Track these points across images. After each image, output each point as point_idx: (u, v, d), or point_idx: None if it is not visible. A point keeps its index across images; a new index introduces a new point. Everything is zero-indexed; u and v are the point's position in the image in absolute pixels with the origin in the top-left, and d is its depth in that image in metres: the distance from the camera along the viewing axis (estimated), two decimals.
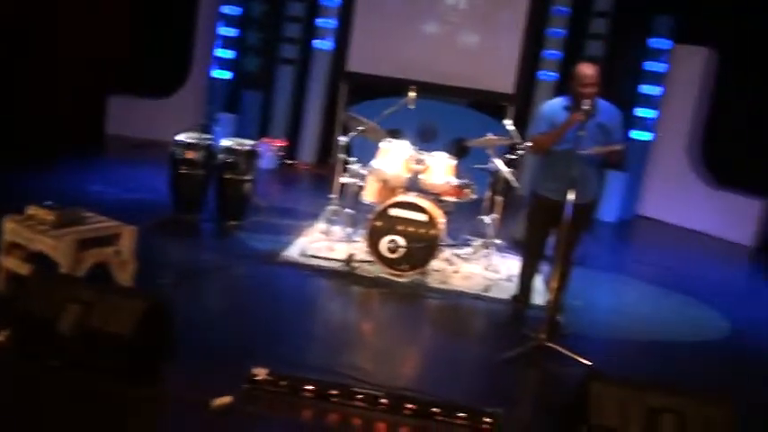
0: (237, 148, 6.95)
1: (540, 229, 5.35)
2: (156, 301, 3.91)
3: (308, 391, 3.89)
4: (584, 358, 4.74)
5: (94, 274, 4.74)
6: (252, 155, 7.02)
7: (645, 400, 3.56)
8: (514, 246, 7.07)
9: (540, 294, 5.70)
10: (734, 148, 9.93)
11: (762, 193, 9.80)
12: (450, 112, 10.56)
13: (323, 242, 6.73)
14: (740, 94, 9.87)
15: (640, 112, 10.28)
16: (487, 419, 3.80)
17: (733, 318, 6.44)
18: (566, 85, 5.25)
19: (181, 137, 6.87)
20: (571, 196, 4.70)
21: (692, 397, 3.63)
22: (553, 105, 5.20)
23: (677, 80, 10.34)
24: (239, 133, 9.96)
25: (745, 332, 6.17)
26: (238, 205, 7.06)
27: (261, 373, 3.91)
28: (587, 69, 5.01)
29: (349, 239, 6.57)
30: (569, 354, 4.78)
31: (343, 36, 10.54)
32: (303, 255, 6.29)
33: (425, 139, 10.15)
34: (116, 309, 3.74)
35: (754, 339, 6.06)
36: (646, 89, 10.25)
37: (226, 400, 3.66)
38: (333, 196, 6.92)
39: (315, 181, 10.18)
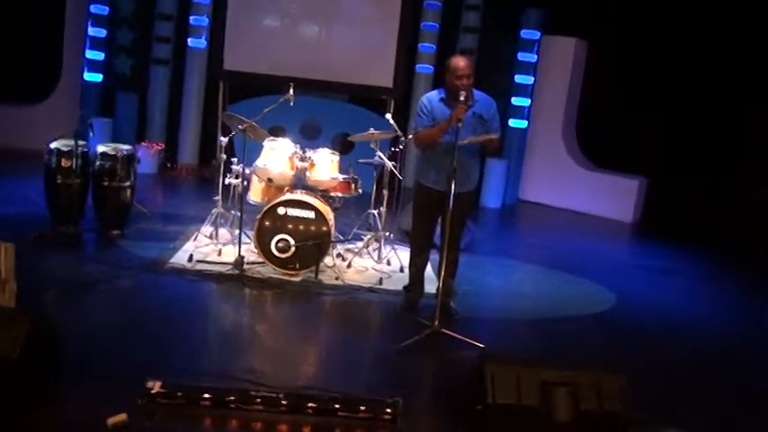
0: (114, 153, 6.72)
1: (426, 219, 5.46)
2: (41, 319, 3.75)
3: (206, 399, 3.82)
4: (478, 341, 4.89)
5: None
6: (130, 160, 6.81)
7: (538, 376, 3.73)
8: (403, 237, 7.18)
9: (431, 282, 5.82)
10: (607, 131, 10.52)
11: (638, 171, 10.42)
12: (332, 108, 10.59)
13: (210, 246, 6.63)
14: (608, 79, 10.46)
15: (516, 101, 10.68)
16: (388, 410, 3.87)
17: (617, 290, 6.81)
18: (441, 78, 5.38)
19: (54, 144, 6.56)
20: (453, 186, 4.83)
21: (583, 369, 3.83)
22: (430, 98, 5.31)
23: (549, 69, 10.81)
24: (115, 138, 9.65)
25: (629, 302, 6.54)
26: (119, 213, 6.84)
27: (155, 386, 3.81)
28: (460, 62, 5.15)
29: (237, 241, 6.49)
30: (463, 338, 4.92)
31: (217, 34, 10.35)
32: (191, 261, 6.16)
33: (309, 136, 10.15)
34: None
35: (638, 308, 6.44)
36: (519, 79, 10.66)
37: (121, 417, 3.54)
38: (217, 198, 6.81)
39: (198, 184, 10.00)
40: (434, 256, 5.75)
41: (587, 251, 8.51)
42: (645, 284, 7.29)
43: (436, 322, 4.93)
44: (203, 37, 10.53)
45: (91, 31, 10.26)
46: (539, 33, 10.57)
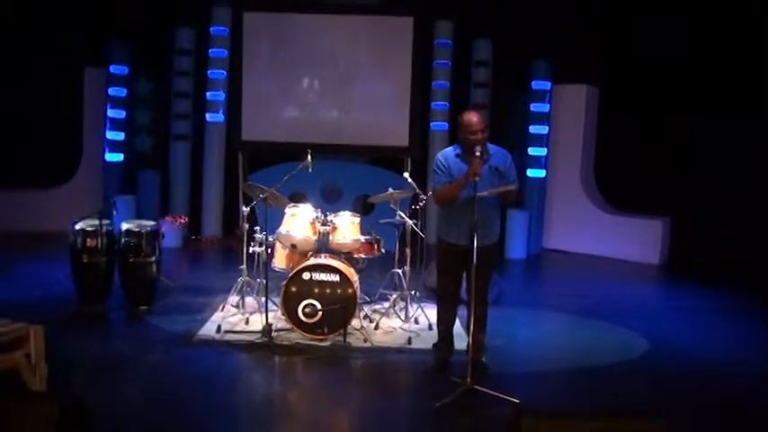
0: (138, 229, 6.81)
1: (452, 274, 5.43)
2: (73, 403, 3.73)
3: None
4: (512, 396, 4.79)
5: (3, 380, 4.47)
6: (154, 235, 6.89)
7: (577, 428, 3.62)
8: (430, 294, 7.14)
9: (461, 339, 5.75)
10: (625, 173, 10.50)
11: (661, 211, 10.33)
12: (350, 171, 10.68)
13: (238, 316, 6.63)
14: (622, 121, 10.49)
15: (532, 150, 10.72)
16: None
17: (650, 335, 6.68)
18: (455, 134, 5.42)
19: (79, 225, 6.66)
20: (475, 240, 4.82)
21: (624, 417, 3.71)
22: (446, 155, 5.35)
23: (562, 117, 10.87)
24: (139, 215, 9.78)
25: (663, 347, 6.40)
26: (146, 288, 6.89)
27: None
28: (473, 117, 5.20)
29: (264, 309, 6.47)
30: (497, 394, 4.83)
31: (234, 107, 10.57)
32: (219, 331, 6.15)
33: (330, 200, 10.22)
34: (30, 415, 3.54)
35: (672, 352, 6.30)
36: (534, 129, 10.71)
37: None
38: (242, 267, 6.83)
39: (222, 254, 10.07)
40: (463, 311, 5.70)
41: (616, 296, 8.39)
42: (677, 327, 7.14)
43: (469, 379, 4.87)
44: (220, 111, 10.75)
45: (110, 112, 10.54)
46: (549, 83, 10.66)
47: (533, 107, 10.70)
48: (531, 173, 10.74)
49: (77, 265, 6.67)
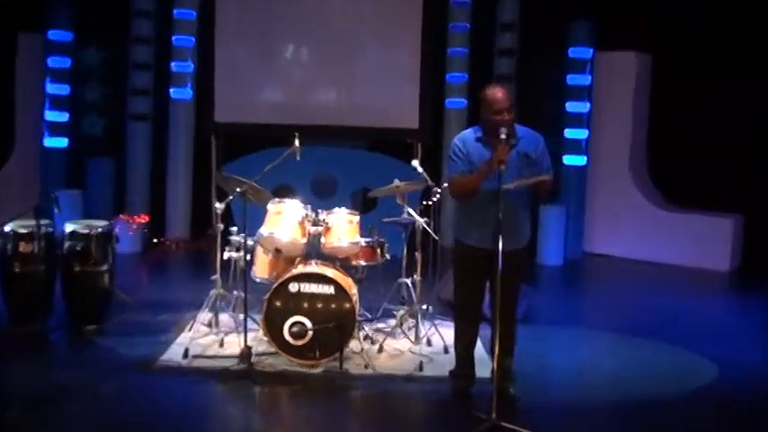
0: (87, 231, 6.79)
1: (472, 285, 5.41)
2: None
3: None
4: None
5: None
6: (106, 238, 6.86)
7: None
8: (445, 309, 7.10)
9: (483, 364, 5.72)
10: (686, 160, 10.43)
11: (731, 208, 10.25)
12: (347, 159, 10.65)
13: (210, 337, 6.61)
14: (682, 97, 10.42)
15: (570, 133, 10.67)
16: None
17: (719, 358, 6.62)
18: (477, 113, 5.38)
19: (10, 226, 6.62)
20: (500, 242, 4.78)
21: None
22: (465, 139, 5.32)
23: (607, 92, 10.82)
24: (88, 213, 9.75)
25: (735, 372, 6.35)
26: (96, 304, 6.87)
27: None
28: (498, 92, 5.17)
29: (242, 329, 6.44)
30: None
31: (205, 81, 10.53)
32: (187, 356, 6.13)
33: (322, 195, 10.19)
34: None
35: (747, 379, 6.25)
36: (572, 107, 10.67)
37: None
38: (215, 277, 6.81)
39: (191, 261, 10.06)
40: (486, 330, 5.67)
41: (675, 311, 8.34)
42: (753, 348, 7.10)
43: (494, 414, 4.84)
44: (188, 86, 10.73)
45: (50, 88, 10.49)
46: (591, 50, 10.61)
47: (571, 79, 10.66)
48: (568, 160, 10.70)
49: (8, 276, 6.63)
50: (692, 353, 6.82)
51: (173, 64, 10.69)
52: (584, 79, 10.66)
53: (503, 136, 5.02)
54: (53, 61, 10.46)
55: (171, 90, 10.74)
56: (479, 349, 5.74)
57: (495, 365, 5.04)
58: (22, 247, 6.58)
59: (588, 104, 10.69)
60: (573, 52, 10.64)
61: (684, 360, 6.70)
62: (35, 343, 6.41)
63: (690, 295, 9.14)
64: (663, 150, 10.90)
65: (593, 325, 7.69)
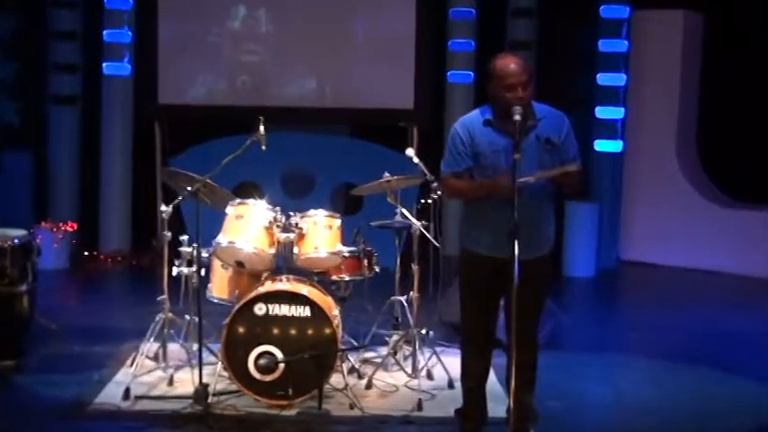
0: (0, 243, 6.76)
1: (482, 303, 5.40)
2: None
3: None
4: None
5: None
6: (25, 251, 6.87)
7: None
8: (449, 333, 7.11)
9: (498, 401, 5.74)
10: (746, 147, 10.46)
11: None
12: (326, 148, 10.66)
13: (157, 373, 6.60)
14: (742, 69, 10.44)
15: (602, 112, 10.70)
16: None
17: None
18: (485, 89, 5.39)
19: None
20: (517, 248, 4.79)
21: None
22: (468, 124, 5.30)
23: (648, 61, 10.85)
24: (1, 220, 9.73)
25: None
26: (13, 333, 6.85)
27: None
28: (510, 63, 5.15)
29: (196, 362, 6.45)
30: None
31: (146, 53, 10.53)
32: (128, 397, 6.10)
33: (295, 193, 10.20)
34: None
35: None
36: (604, 79, 10.70)
37: None
38: (162, 298, 6.81)
39: (132, 279, 10.06)
40: (499, 359, 5.68)
41: (734, 331, 8.39)
42: None
43: None
44: (125, 60, 10.72)
45: None
46: (627, 9, 10.64)
47: (603, 45, 10.69)
48: (600, 146, 10.74)
49: None
50: (754, 381, 6.87)
51: (105, 32, 10.69)
52: (620, 45, 10.70)
53: (517, 117, 5.00)
54: None
55: (103, 65, 10.74)
56: (492, 383, 5.74)
57: (512, 402, 5.02)
58: None
59: (624, 76, 10.73)
60: (606, 11, 10.69)
61: (744, 391, 6.73)
62: None
63: (750, 311, 9.18)
64: (718, 133, 10.95)
65: (633, 350, 7.74)
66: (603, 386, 6.87)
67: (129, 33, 10.70)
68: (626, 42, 10.71)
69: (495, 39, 10.69)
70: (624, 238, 11.07)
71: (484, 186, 5.13)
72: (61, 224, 10.27)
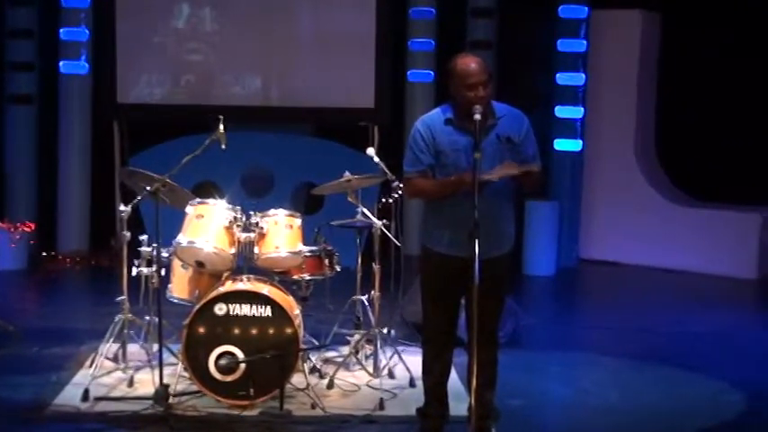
0: None
1: (443, 302, 5.40)
2: None
3: None
4: None
5: None
6: None
7: None
8: (411, 332, 7.12)
9: (459, 399, 5.75)
10: (702, 144, 10.53)
11: (760, 201, 10.35)
12: (286, 147, 10.63)
13: (116, 374, 6.56)
14: (699, 67, 10.52)
15: (561, 111, 10.75)
16: None
17: (747, 386, 6.71)
18: (445, 88, 5.40)
19: None
20: (477, 247, 4.80)
21: None
22: (429, 123, 5.30)
23: (606, 61, 10.91)
24: None
25: (766, 405, 6.44)
26: None
27: None
28: (471, 62, 5.17)
29: (156, 363, 6.42)
30: None
31: (104, 51, 10.48)
32: (87, 399, 6.07)
33: (255, 192, 10.17)
34: None
35: None
36: (563, 78, 10.75)
37: None
38: (121, 299, 6.76)
39: (90, 279, 10.01)
40: (462, 357, 5.69)
41: (695, 329, 8.45)
42: None
43: None
44: (83, 58, 10.66)
45: None
46: (586, 9, 10.70)
47: (562, 45, 10.74)
48: (560, 145, 10.79)
49: None
50: (716, 380, 6.90)
51: (62, 30, 10.63)
52: (579, 45, 10.75)
53: (477, 116, 5.02)
54: None
55: (60, 63, 10.67)
56: (454, 381, 5.74)
57: (474, 401, 5.03)
58: None
59: (583, 76, 10.78)
60: (564, 11, 10.73)
61: (706, 390, 6.77)
62: None
63: (712, 309, 9.25)
64: (676, 132, 11.03)
65: (594, 349, 7.75)
66: (565, 385, 6.90)
67: (87, 32, 10.62)
68: (584, 42, 10.76)
69: (455, 38, 10.70)
70: (584, 236, 11.12)
71: (449, 184, 5.13)
72: (18, 224, 10.20)
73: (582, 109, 10.82)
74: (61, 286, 9.94)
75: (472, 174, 4.91)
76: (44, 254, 10.52)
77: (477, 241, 4.78)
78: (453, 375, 5.69)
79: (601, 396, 6.66)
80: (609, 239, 11.07)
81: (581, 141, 10.88)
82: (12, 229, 10.03)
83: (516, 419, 5.80)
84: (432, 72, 10.83)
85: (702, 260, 10.47)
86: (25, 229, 10.19)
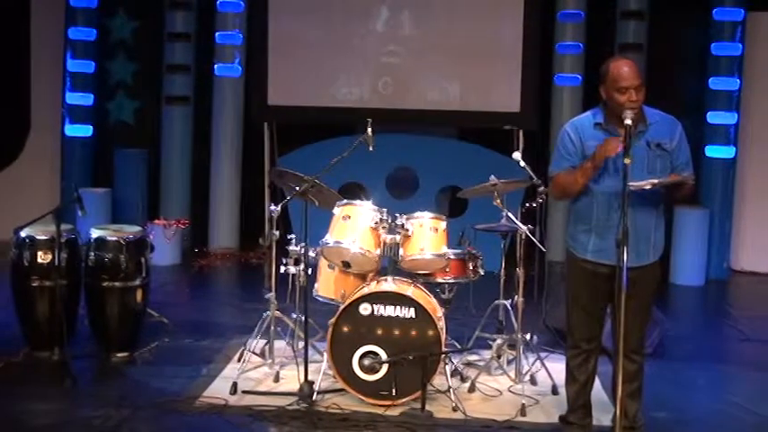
0: (116, 239, 6.92)
1: (588, 310, 5.36)
2: None
3: None
4: None
5: None
6: (139, 247, 6.99)
7: None
8: (554, 339, 7.07)
9: (603, 409, 5.69)
10: None
11: None
12: (432, 150, 10.65)
13: (263, 369, 6.70)
14: None
15: (714, 117, 10.50)
16: None
17: None
18: (595, 92, 5.35)
19: (26, 231, 6.80)
20: (626, 255, 4.74)
21: None
22: (579, 125, 5.28)
23: (763, 65, 10.61)
24: (117, 217, 9.95)
25: None
26: (126, 327, 6.99)
27: None
28: (623, 66, 5.12)
29: (302, 359, 6.51)
30: None
31: (256, 55, 10.66)
32: (234, 392, 6.23)
33: (401, 194, 10.21)
34: None
35: None
36: (717, 83, 10.49)
37: None
38: (269, 296, 6.89)
39: (240, 276, 10.19)
40: (605, 366, 5.63)
41: None
42: None
43: None
44: (236, 61, 10.87)
45: (71, 65, 10.72)
46: (742, 11, 10.43)
47: (716, 48, 10.49)
48: (712, 152, 10.54)
49: (24, 291, 6.81)
50: None
51: (217, 34, 10.83)
52: (734, 48, 10.48)
53: (627, 121, 4.96)
54: (74, 32, 10.68)
55: (215, 66, 10.88)
56: (597, 391, 5.70)
57: (618, 411, 5.00)
58: (41, 256, 6.75)
59: (738, 81, 10.51)
60: (718, 13, 10.48)
61: None
62: (53, 373, 6.50)
63: None
64: None
65: (746, 363, 7.59)
66: (714, 399, 6.71)
67: (241, 35, 10.82)
68: (740, 45, 10.48)
69: (604, 41, 10.56)
70: (735, 246, 10.84)
71: (582, 169, 5.09)
72: (173, 221, 10.44)
73: (736, 115, 10.55)
74: (212, 282, 10.15)
75: (612, 140, 4.93)
76: (196, 250, 10.76)
77: (625, 249, 4.74)
78: (597, 385, 5.65)
79: (753, 413, 6.45)
80: (762, 250, 10.77)
81: (734, 148, 10.61)
82: (167, 226, 10.27)
83: (665, 430, 5.69)
84: (579, 76, 10.69)
85: None
86: (180, 225, 10.43)
